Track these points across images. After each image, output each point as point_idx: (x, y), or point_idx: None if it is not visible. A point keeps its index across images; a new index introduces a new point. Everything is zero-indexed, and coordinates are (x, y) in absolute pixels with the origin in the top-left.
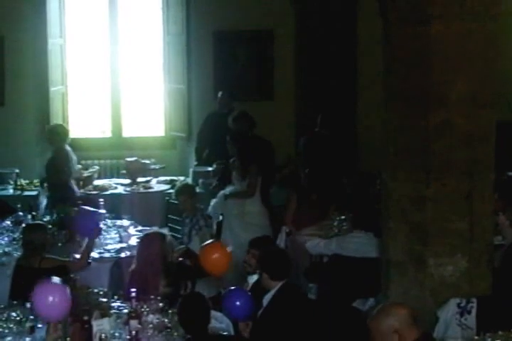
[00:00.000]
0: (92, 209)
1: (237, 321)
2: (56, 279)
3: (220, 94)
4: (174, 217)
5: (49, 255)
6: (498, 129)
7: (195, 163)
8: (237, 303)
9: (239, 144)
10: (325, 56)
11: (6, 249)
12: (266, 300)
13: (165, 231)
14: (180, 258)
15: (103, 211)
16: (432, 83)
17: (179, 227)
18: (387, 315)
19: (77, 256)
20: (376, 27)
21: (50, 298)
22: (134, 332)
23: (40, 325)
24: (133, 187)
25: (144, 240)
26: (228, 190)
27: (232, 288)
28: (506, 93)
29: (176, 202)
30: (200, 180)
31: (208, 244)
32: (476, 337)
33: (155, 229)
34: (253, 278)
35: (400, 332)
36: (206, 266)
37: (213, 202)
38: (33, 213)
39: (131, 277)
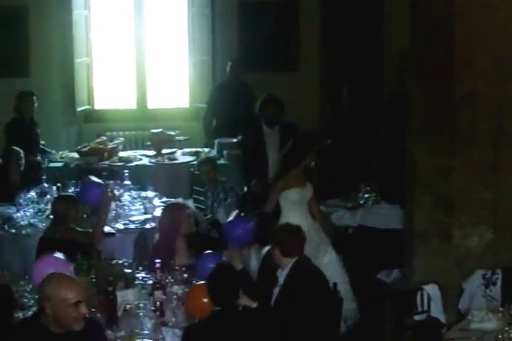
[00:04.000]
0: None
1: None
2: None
3: (229, 64)
4: (199, 189)
5: (73, 226)
6: None
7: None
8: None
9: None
10: (351, 26)
11: (32, 221)
12: (281, 275)
13: (189, 202)
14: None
15: (128, 182)
16: (457, 53)
17: (204, 198)
18: None
19: None
20: None
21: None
22: (158, 303)
23: None
24: (158, 159)
25: (167, 211)
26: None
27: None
28: None
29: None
30: (225, 152)
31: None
32: (501, 309)
33: (179, 200)
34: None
35: None
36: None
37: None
38: (58, 184)
39: (154, 249)
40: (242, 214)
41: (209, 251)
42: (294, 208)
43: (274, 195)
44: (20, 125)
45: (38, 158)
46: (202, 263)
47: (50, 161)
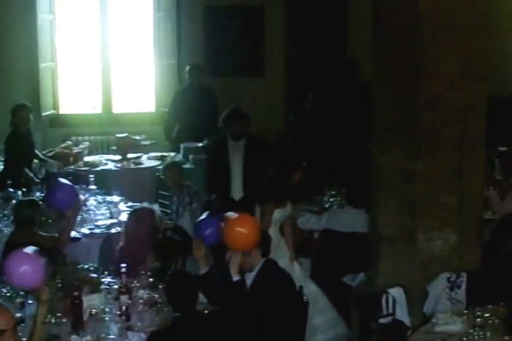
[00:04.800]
0: (67, 182)
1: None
2: (29, 249)
3: (187, 68)
4: (165, 193)
5: (39, 231)
6: (488, 104)
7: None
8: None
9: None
10: (316, 31)
11: None
12: (249, 278)
13: (155, 207)
14: (168, 233)
15: (93, 187)
16: (422, 57)
17: (169, 203)
18: None
19: None
20: (368, 1)
21: (23, 268)
22: (124, 308)
23: (30, 301)
24: (123, 163)
25: (133, 216)
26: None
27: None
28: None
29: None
30: (191, 156)
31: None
32: (465, 311)
33: (145, 204)
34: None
35: None
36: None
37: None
38: (23, 189)
39: (120, 253)
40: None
41: (205, 216)
42: (274, 228)
43: (267, 217)
44: (18, 139)
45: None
46: (199, 228)
47: (47, 170)
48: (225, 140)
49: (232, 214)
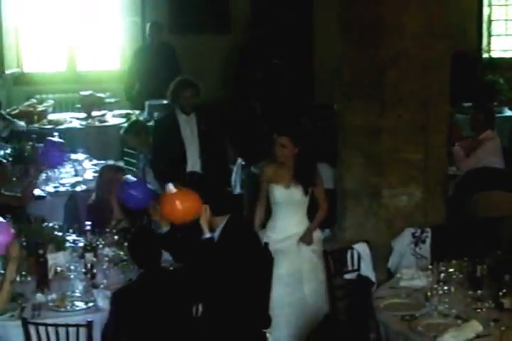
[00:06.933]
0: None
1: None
2: None
3: (148, 25)
4: (130, 151)
5: (4, 190)
6: (452, 60)
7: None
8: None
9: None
10: None
11: None
12: (216, 237)
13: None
14: None
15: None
16: (386, 13)
17: (134, 161)
18: None
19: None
20: None
21: None
22: (89, 265)
23: None
24: (88, 121)
25: (101, 172)
26: None
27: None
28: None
29: None
30: (156, 113)
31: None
32: (430, 267)
33: (110, 162)
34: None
35: None
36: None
37: None
38: None
39: (89, 210)
40: None
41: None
42: (278, 209)
43: (261, 189)
44: None
45: None
46: (127, 193)
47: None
48: (173, 116)
49: (170, 189)
